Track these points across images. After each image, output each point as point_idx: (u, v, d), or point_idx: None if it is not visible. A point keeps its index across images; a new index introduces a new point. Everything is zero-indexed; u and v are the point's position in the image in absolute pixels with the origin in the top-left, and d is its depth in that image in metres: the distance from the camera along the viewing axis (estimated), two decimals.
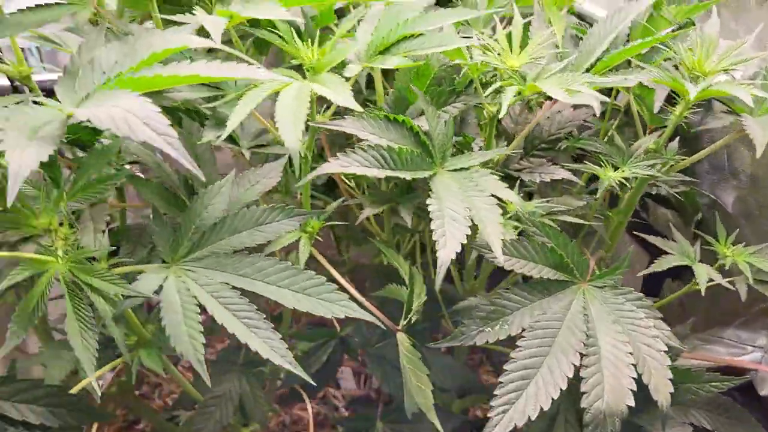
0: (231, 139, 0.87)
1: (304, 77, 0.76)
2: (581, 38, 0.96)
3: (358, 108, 0.64)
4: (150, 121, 0.53)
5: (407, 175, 0.73)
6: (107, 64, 0.67)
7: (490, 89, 0.79)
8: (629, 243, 1.19)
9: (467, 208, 0.73)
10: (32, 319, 0.57)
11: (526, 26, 0.89)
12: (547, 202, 0.92)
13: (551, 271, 0.82)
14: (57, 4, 0.83)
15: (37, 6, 0.81)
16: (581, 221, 0.92)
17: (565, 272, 0.83)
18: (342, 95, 0.65)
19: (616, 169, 0.92)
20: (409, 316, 0.88)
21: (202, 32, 0.70)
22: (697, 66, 0.86)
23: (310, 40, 0.79)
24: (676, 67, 0.90)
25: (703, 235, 0.96)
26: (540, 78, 0.83)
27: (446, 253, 0.68)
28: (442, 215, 0.71)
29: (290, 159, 0.87)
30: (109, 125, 0.53)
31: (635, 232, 1.07)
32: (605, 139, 0.99)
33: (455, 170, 0.81)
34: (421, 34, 0.81)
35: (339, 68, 0.77)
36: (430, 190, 0.74)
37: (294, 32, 0.80)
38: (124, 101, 0.54)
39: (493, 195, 0.76)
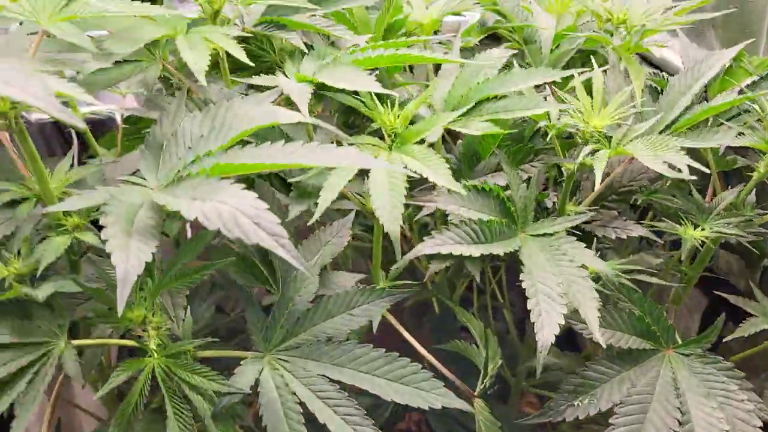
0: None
1: (383, 139, 0.73)
2: (658, 90, 0.93)
3: (461, 191, 0.62)
4: (261, 220, 0.50)
5: (500, 250, 0.71)
6: (193, 138, 0.65)
7: (582, 153, 0.76)
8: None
9: (560, 284, 0.70)
10: (132, 420, 0.55)
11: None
12: (626, 261, 0.90)
13: (638, 339, 0.79)
14: (126, 61, 0.81)
15: (107, 68, 0.78)
16: (661, 281, 0.89)
17: (651, 340, 0.80)
18: (441, 175, 0.62)
19: (696, 226, 0.89)
20: (485, 381, 0.85)
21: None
22: None
23: (389, 102, 0.76)
24: (760, 120, 0.87)
25: None
26: (626, 139, 0.80)
27: (545, 335, 0.65)
28: (536, 292, 0.69)
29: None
30: (217, 225, 0.51)
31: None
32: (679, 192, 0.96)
33: (539, 235, 0.78)
34: (504, 96, 0.78)
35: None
36: (522, 264, 0.71)
37: (372, 94, 0.77)
38: (232, 197, 0.52)
39: (583, 266, 0.73)
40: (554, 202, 0.91)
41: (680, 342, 0.81)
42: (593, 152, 0.78)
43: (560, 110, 0.83)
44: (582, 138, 0.81)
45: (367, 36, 0.85)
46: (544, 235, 0.78)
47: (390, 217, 0.60)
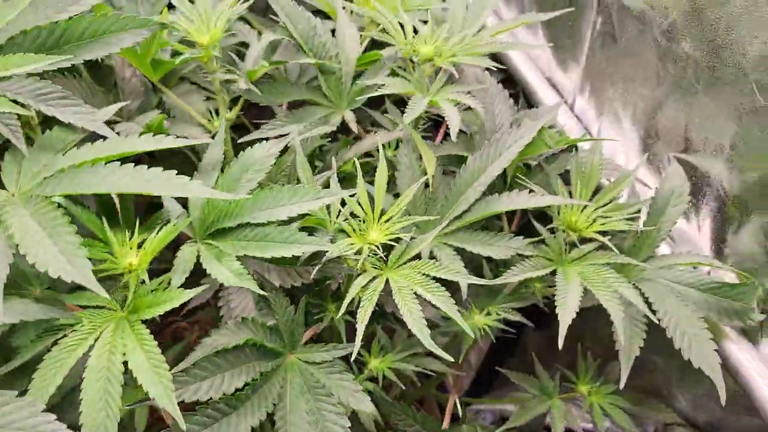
0: None
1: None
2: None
3: None
4: None
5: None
6: None
7: (354, 288, 0.69)
8: None
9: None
10: None
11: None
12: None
13: None
14: None
15: None
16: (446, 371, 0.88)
17: None
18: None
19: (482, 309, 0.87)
20: None
21: None
22: (573, 224, 0.79)
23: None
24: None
25: None
26: (405, 257, 0.74)
27: None
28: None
29: None
30: None
31: None
32: None
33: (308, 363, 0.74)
34: (259, 225, 0.69)
35: None
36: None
37: None
38: None
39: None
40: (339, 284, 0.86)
41: None
42: (372, 279, 0.72)
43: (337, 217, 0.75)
44: (354, 261, 0.74)
45: None
46: (312, 363, 0.74)
47: None
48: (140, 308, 0.63)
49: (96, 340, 0.60)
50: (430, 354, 0.91)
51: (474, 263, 0.89)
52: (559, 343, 0.66)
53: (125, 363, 0.58)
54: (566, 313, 0.68)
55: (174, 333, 1.14)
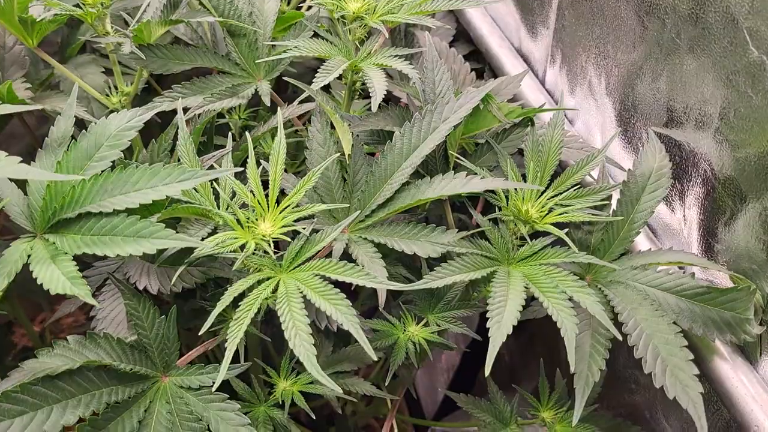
0: None
1: None
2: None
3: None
4: None
5: None
6: None
7: (233, 288, 0.54)
8: None
9: None
10: None
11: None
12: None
13: None
14: None
15: None
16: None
17: None
18: None
19: (420, 320, 0.71)
20: None
21: None
22: (524, 214, 0.63)
23: None
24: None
25: None
26: (300, 258, 0.58)
27: None
28: None
29: None
30: None
31: None
32: None
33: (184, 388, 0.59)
34: (110, 214, 0.54)
35: None
36: None
37: None
38: None
39: None
40: None
41: None
42: (258, 282, 0.56)
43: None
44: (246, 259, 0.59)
45: None
46: (188, 389, 0.58)
47: None
48: None
49: None
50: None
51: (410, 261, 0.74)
52: (486, 370, 0.50)
53: None
54: (500, 330, 0.52)
55: None
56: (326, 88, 0.78)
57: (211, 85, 0.76)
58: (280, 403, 0.67)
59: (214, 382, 0.58)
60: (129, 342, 0.57)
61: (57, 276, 0.52)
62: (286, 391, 0.67)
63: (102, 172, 0.55)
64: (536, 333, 1.04)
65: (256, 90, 0.76)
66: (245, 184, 0.59)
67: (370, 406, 1.00)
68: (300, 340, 0.51)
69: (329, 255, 0.62)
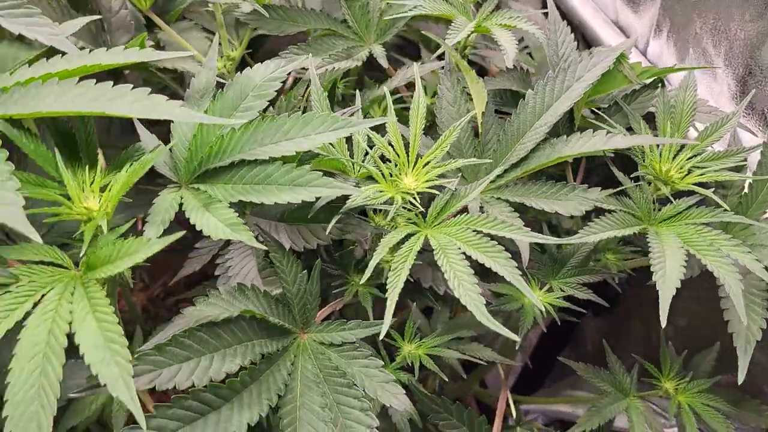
0: None
1: None
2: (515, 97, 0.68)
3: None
4: None
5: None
6: None
7: (385, 242, 0.53)
8: None
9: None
10: None
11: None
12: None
13: None
14: None
15: None
16: (498, 357, 0.71)
17: None
18: None
19: (543, 285, 0.70)
20: None
21: None
22: (664, 174, 0.62)
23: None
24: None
25: None
26: (445, 213, 0.57)
27: None
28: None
29: None
30: None
31: None
32: None
33: (323, 344, 0.58)
34: (265, 162, 0.53)
35: None
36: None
37: None
38: None
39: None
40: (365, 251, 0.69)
41: None
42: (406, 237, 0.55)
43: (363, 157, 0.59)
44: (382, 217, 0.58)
45: None
46: (330, 345, 0.57)
47: None
48: (96, 264, 0.47)
49: (36, 305, 0.45)
50: (476, 339, 0.75)
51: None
52: (662, 322, 0.49)
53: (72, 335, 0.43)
54: (667, 285, 0.51)
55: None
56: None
57: (325, 47, 0.75)
58: (408, 365, 0.65)
59: (358, 340, 0.58)
60: (274, 296, 0.56)
61: (214, 223, 0.51)
62: (412, 354, 0.66)
63: (251, 122, 0.54)
64: (631, 313, 1.02)
65: (370, 52, 0.75)
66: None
67: (457, 383, 0.98)
68: (465, 290, 0.49)
69: (464, 212, 0.60)
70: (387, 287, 0.51)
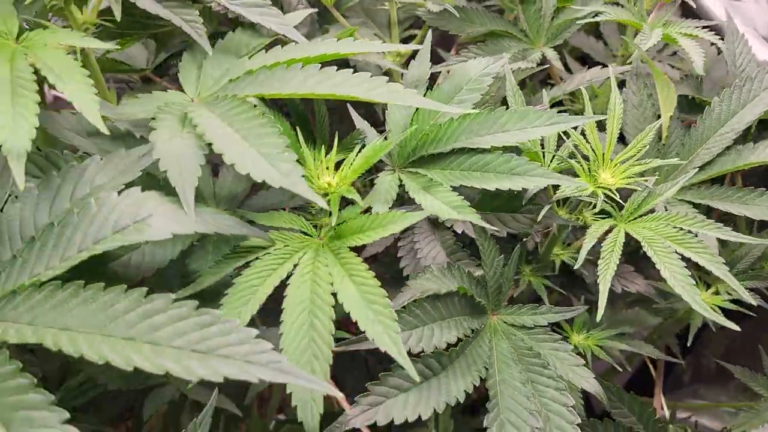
0: None
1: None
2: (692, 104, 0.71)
3: None
4: None
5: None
6: None
7: (584, 247, 0.56)
8: None
9: (533, 412, 0.54)
10: None
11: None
12: (620, 319, 0.74)
13: None
14: None
15: None
16: (652, 353, 0.73)
17: None
18: None
19: (708, 286, 0.72)
20: None
21: None
22: None
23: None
24: None
25: None
26: (642, 209, 0.60)
27: None
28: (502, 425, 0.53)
29: None
30: None
31: None
32: None
33: (513, 327, 0.61)
34: (480, 151, 0.57)
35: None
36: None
37: None
38: None
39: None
40: (537, 243, 0.73)
41: None
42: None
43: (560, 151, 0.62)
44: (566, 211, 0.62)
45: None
46: (521, 327, 0.61)
47: None
48: (345, 234, 0.52)
49: (295, 267, 0.49)
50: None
51: None
52: None
53: (334, 295, 0.47)
54: None
55: None
56: None
57: (500, 48, 0.78)
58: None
59: (548, 324, 0.61)
60: (476, 276, 0.59)
61: (438, 205, 0.55)
62: (581, 344, 0.69)
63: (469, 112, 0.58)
64: (762, 322, 1.02)
65: (542, 55, 0.79)
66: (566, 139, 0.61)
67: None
68: (678, 282, 0.52)
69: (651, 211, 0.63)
70: (598, 271, 0.54)
